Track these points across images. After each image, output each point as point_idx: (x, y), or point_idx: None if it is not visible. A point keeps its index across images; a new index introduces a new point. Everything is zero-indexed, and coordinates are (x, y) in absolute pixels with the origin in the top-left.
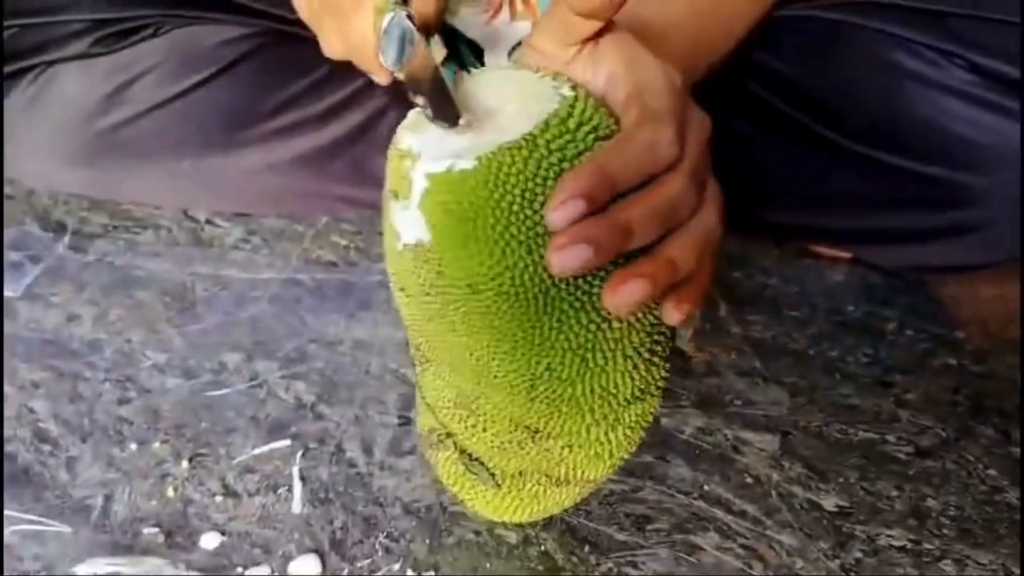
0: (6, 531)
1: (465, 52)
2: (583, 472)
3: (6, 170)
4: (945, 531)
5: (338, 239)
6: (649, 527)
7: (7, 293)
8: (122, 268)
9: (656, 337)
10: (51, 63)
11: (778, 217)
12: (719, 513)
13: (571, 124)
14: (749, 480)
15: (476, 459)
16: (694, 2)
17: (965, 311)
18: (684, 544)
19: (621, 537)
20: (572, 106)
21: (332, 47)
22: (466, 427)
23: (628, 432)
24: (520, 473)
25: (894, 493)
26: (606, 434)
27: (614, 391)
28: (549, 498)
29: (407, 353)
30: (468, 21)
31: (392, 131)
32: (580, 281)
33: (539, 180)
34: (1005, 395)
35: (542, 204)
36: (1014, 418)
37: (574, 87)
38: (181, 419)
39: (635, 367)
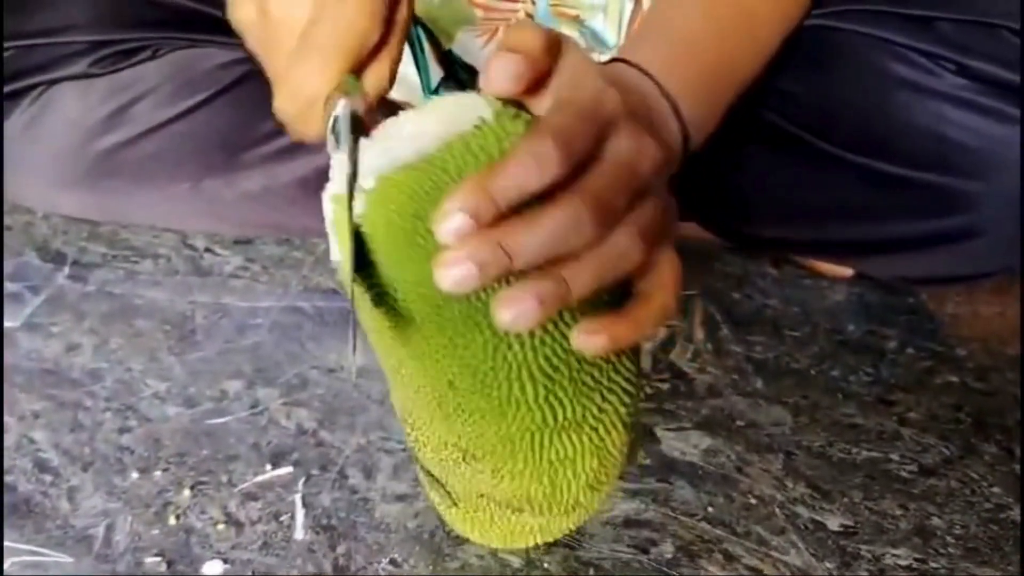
0: (7, 563)
1: (462, 75)
2: (530, 500)
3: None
4: (950, 549)
5: None
6: (654, 550)
7: (7, 323)
8: (122, 297)
9: (577, 363)
10: (50, 84)
11: (774, 232)
12: (724, 534)
13: (473, 145)
14: (753, 501)
15: (432, 475)
16: (717, 17)
17: (965, 328)
18: (689, 566)
19: (626, 560)
20: (480, 128)
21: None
22: (413, 441)
23: (566, 461)
24: (470, 494)
25: (898, 512)
26: (537, 462)
27: (531, 415)
28: (509, 523)
29: None
30: (464, 45)
31: None
32: (472, 298)
33: (427, 198)
34: (1007, 412)
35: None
36: (1017, 435)
37: (499, 112)
38: (182, 447)
39: (550, 392)
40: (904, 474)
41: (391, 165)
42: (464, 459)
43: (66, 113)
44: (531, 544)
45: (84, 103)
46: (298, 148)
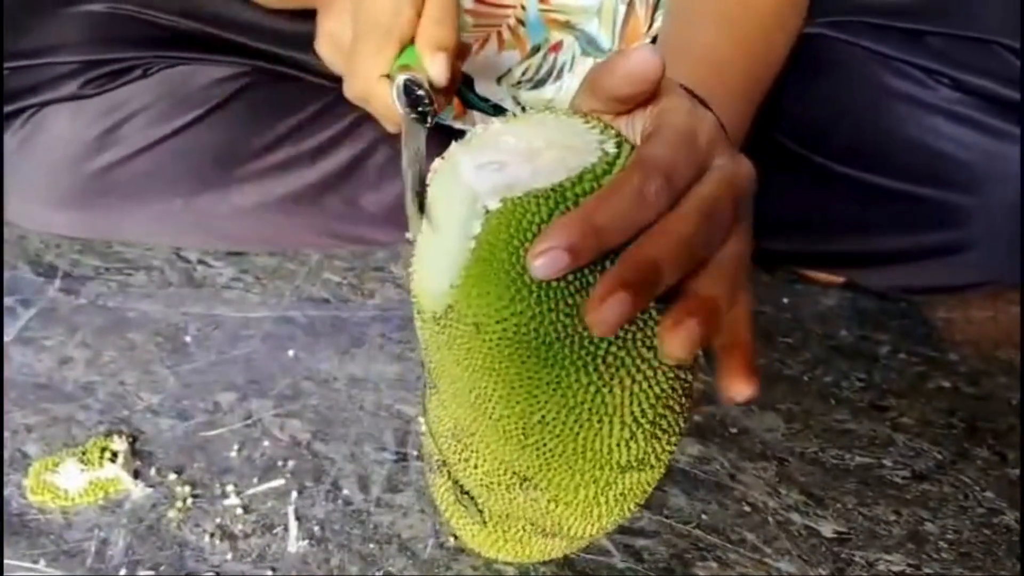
0: None
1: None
2: (569, 528)
3: None
4: (944, 555)
5: (331, 276)
6: (648, 557)
7: None
8: (114, 310)
9: (661, 410)
10: (42, 105)
11: (767, 243)
12: (717, 542)
13: (605, 181)
14: (746, 508)
15: (467, 492)
16: (737, 32)
17: (958, 333)
18: (683, 574)
19: (620, 568)
20: (610, 163)
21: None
22: (459, 459)
23: (620, 498)
24: (507, 516)
25: (892, 518)
26: (595, 497)
27: (608, 456)
28: (534, 545)
29: (401, 388)
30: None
31: (383, 166)
32: (585, 340)
33: None
34: (1000, 416)
35: None
36: (1009, 439)
37: (620, 143)
38: (176, 460)
39: (633, 436)
40: (897, 479)
41: (511, 186)
42: (521, 485)
43: (59, 133)
44: (544, 559)
45: (76, 123)
46: (291, 163)
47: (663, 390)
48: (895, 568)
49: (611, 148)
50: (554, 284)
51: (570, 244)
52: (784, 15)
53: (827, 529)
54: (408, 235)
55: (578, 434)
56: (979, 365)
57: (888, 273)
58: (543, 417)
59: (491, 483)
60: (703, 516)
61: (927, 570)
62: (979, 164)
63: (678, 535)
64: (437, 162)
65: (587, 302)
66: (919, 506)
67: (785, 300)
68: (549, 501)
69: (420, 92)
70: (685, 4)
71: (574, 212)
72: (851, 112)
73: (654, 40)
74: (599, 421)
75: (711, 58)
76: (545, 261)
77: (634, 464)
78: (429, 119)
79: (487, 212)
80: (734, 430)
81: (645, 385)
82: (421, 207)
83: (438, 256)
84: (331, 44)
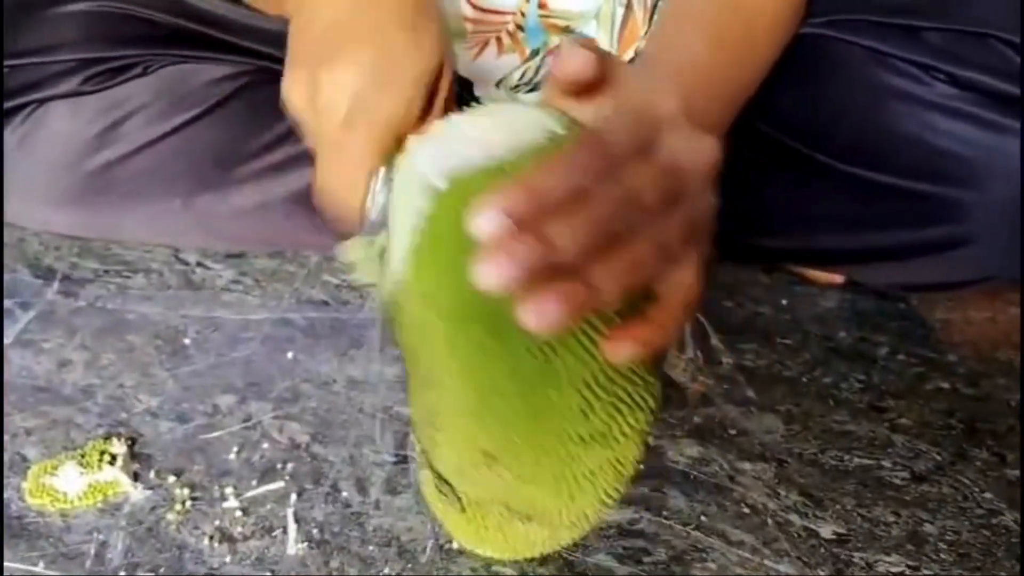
0: None
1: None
2: (543, 509)
3: None
4: (943, 556)
5: (330, 278)
6: (647, 559)
7: None
8: (113, 312)
9: (619, 381)
10: (41, 102)
11: (765, 241)
12: (717, 543)
13: (547, 155)
14: (746, 509)
15: (444, 479)
16: (722, 39)
17: (957, 334)
18: (683, 575)
19: (619, 571)
20: (557, 142)
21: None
22: (433, 444)
23: (590, 476)
24: (481, 500)
25: (891, 519)
26: (561, 473)
27: (564, 426)
28: (515, 532)
29: (401, 391)
30: (457, 57)
31: None
32: None
33: None
34: (998, 417)
35: None
36: (1008, 440)
37: (569, 126)
38: (175, 463)
39: (590, 407)
40: (896, 481)
41: (460, 168)
42: (487, 463)
43: (58, 131)
44: (530, 556)
45: (76, 121)
46: (291, 163)
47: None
48: (894, 569)
49: (558, 128)
50: None
51: (508, 207)
52: (777, 19)
53: (826, 530)
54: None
55: (532, 401)
56: (978, 366)
57: (888, 270)
58: (495, 385)
59: (461, 464)
60: (702, 517)
61: (926, 571)
62: (978, 159)
63: (677, 536)
64: (397, 157)
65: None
66: (918, 507)
67: (784, 301)
68: (515, 478)
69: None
70: (674, 8)
71: (514, 180)
72: (849, 109)
73: None
74: (553, 388)
75: (694, 63)
76: (483, 221)
77: (596, 438)
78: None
79: (436, 192)
80: (733, 431)
81: (595, 351)
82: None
83: (397, 243)
84: (312, 102)
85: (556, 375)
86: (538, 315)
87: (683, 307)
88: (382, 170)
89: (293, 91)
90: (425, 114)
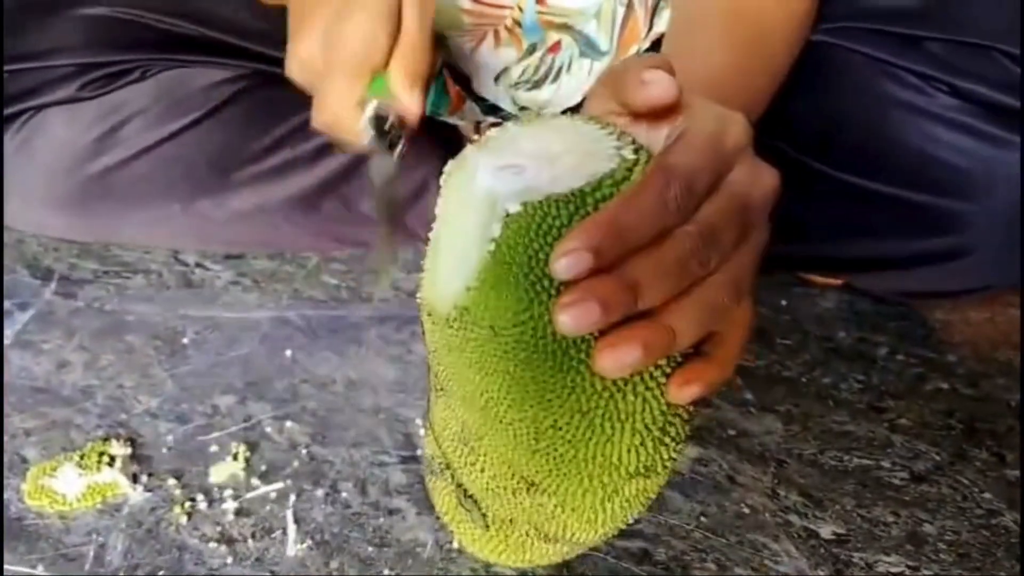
0: None
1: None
2: (573, 534)
3: None
4: (942, 556)
5: (328, 279)
6: (647, 560)
7: None
8: (112, 313)
9: (671, 418)
10: (40, 108)
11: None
12: (716, 543)
13: (624, 187)
14: (745, 509)
15: (470, 496)
16: (736, 46)
17: (956, 335)
18: None
19: (619, 571)
20: (629, 169)
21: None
22: (465, 463)
23: (625, 504)
24: (511, 520)
25: (890, 519)
26: (602, 503)
27: (617, 462)
28: (536, 550)
29: (400, 391)
30: (455, 50)
31: None
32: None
33: None
34: (998, 417)
35: None
36: (1007, 440)
37: (637, 150)
38: (174, 464)
39: (643, 443)
40: (896, 481)
41: (530, 190)
42: (528, 490)
43: (56, 136)
44: (544, 564)
45: (74, 126)
46: (289, 166)
47: None
48: (894, 569)
49: (629, 154)
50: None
51: (593, 246)
52: (790, 32)
53: (826, 530)
54: (369, 258)
55: (590, 439)
56: (977, 367)
57: (887, 278)
58: (555, 422)
59: (497, 488)
60: (702, 518)
61: (926, 571)
62: (977, 171)
63: (677, 537)
64: (450, 164)
65: (557, 300)
66: (918, 507)
67: (783, 302)
68: (556, 506)
69: (390, 121)
70: (688, 21)
71: (597, 215)
72: (850, 119)
73: (654, 43)
74: (611, 428)
75: (712, 77)
76: (569, 262)
77: (642, 471)
78: (399, 148)
79: (507, 215)
80: (733, 432)
81: (657, 392)
82: (392, 232)
83: (453, 259)
84: (303, 69)
85: (618, 413)
86: (617, 360)
87: (742, 343)
88: (372, 102)
89: (291, 70)
90: (394, 38)
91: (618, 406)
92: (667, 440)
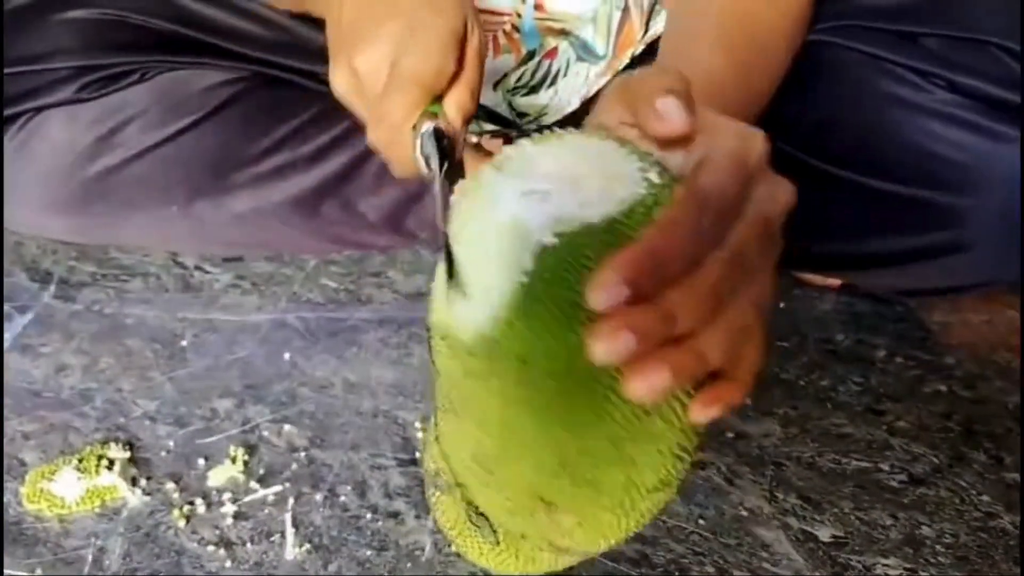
0: None
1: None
2: (585, 546)
3: None
4: (941, 559)
5: (327, 281)
6: (645, 562)
7: None
8: (111, 316)
9: (690, 435)
10: (39, 109)
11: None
12: (715, 546)
13: (656, 214)
14: (744, 512)
15: (482, 514)
16: (734, 48)
17: (954, 337)
18: None
19: (618, 574)
20: (657, 195)
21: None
22: (480, 483)
23: (640, 518)
24: (523, 536)
25: (889, 522)
26: (619, 520)
27: (637, 482)
28: (544, 562)
29: (399, 394)
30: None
31: (379, 172)
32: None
33: None
34: (996, 420)
35: None
36: (1006, 442)
37: (661, 172)
38: (173, 467)
39: (663, 462)
40: (894, 483)
41: (560, 218)
42: (545, 510)
43: (54, 139)
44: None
45: (73, 128)
46: (288, 168)
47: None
48: (892, 572)
49: (655, 178)
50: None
51: (630, 277)
52: (787, 34)
53: (824, 533)
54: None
55: (615, 464)
56: (975, 369)
57: (885, 275)
58: (583, 447)
59: (513, 508)
60: (700, 521)
61: (924, 574)
62: (976, 166)
63: (675, 539)
64: (463, 184)
65: (593, 329)
66: (916, 510)
67: (782, 304)
68: (573, 524)
69: (444, 142)
70: (684, 25)
71: (635, 247)
72: (847, 116)
73: (649, 46)
74: (637, 451)
75: (709, 82)
76: (607, 295)
77: (659, 487)
78: (445, 168)
79: (542, 247)
80: (731, 435)
81: (681, 412)
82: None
83: (476, 286)
84: (354, 84)
85: (644, 437)
86: (649, 385)
87: (759, 361)
88: (426, 124)
89: (337, 80)
90: (459, 69)
91: (646, 430)
92: (684, 456)
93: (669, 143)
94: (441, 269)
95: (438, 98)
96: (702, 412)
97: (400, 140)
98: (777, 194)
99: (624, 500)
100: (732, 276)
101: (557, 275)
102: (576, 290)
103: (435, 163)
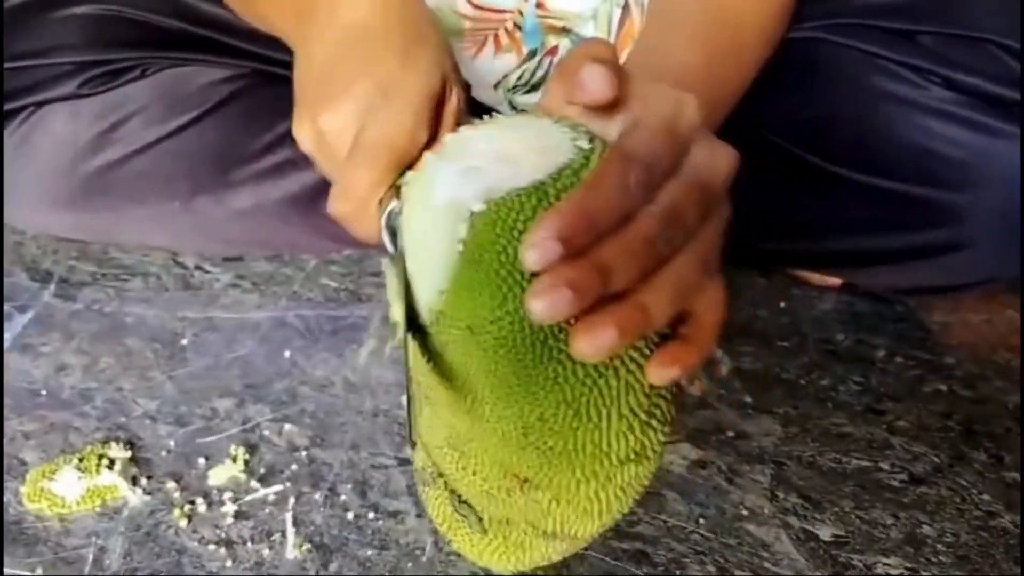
0: None
1: None
2: (571, 528)
3: None
4: (941, 558)
5: (327, 281)
6: (646, 562)
7: None
8: (111, 316)
9: (655, 400)
10: (40, 105)
11: (763, 244)
12: (715, 545)
13: (584, 175)
14: (744, 512)
15: (465, 501)
16: (707, 42)
17: (954, 337)
18: None
19: (618, 573)
20: (587, 158)
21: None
22: (457, 468)
23: (620, 493)
24: (507, 521)
25: (889, 521)
26: (596, 492)
27: (607, 449)
28: (535, 550)
29: (399, 393)
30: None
31: None
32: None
33: None
34: (996, 419)
35: None
36: (1006, 442)
37: (592, 139)
38: (173, 467)
39: (631, 428)
40: (894, 483)
41: (492, 188)
42: (522, 488)
43: (56, 134)
44: (539, 566)
45: (74, 123)
46: (289, 165)
47: None
48: (893, 571)
49: (584, 144)
50: None
51: (560, 234)
52: (764, 29)
53: (825, 533)
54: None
55: (577, 428)
56: (975, 368)
57: (883, 273)
58: (542, 414)
59: (491, 489)
60: (701, 520)
61: (925, 573)
62: (973, 163)
63: (676, 538)
64: (409, 174)
65: (528, 289)
66: (916, 509)
67: (782, 304)
68: (551, 501)
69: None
70: (663, 16)
71: (562, 203)
72: (844, 113)
73: None
74: (597, 414)
75: (683, 73)
76: (538, 252)
77: (632, 457)
78: None
79: (472, 215)
80: (731, 434)
81: (639, 374)
82: (411, 325)
83: (422, 267)
84: (318, 143)
85: (601, 400)
86: (594, 343)
87: (717, 323)
88: (393, 201)
89: (301, 134)
90: (435, 134)
91: (602, 392)
92: (654, 423)
93: (598, 111)
94: (391, 273)
95: (410, 166)
96: (658, 373)
97: (365, 216)
98: (717, 157)
99: (596, 470)
100: (667, 231)
101: (490, 240)
102: (509, 253)
103: (389, 242)
